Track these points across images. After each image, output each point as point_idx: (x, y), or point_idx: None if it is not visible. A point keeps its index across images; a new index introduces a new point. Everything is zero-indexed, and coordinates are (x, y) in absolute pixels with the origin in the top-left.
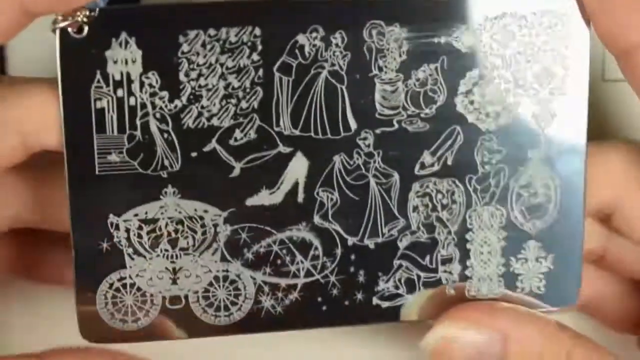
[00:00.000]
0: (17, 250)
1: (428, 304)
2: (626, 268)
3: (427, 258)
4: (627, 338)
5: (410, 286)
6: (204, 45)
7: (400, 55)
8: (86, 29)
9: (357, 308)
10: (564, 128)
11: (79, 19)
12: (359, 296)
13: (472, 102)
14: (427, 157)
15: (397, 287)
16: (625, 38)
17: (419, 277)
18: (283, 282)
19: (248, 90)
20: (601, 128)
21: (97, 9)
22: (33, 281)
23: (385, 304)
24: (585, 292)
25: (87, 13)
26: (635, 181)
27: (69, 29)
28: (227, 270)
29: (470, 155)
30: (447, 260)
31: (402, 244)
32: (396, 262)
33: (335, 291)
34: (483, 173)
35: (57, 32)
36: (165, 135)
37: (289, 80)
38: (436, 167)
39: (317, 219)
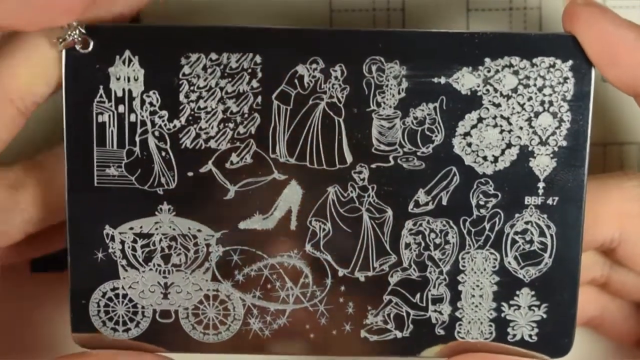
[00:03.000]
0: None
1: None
2: (629, 295)
3: (418, 296)
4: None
5: (399, 322)
6: (205, 68)
7: (399, 93)
8: (91, 44)
9: (345, 339)
10: (564, 176)
11: (76, 37)
12: (347, 327)
13: (469, 145)
14: (421, 196)
15: (385, 322)
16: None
17: (408, 314)
18: (272, 306)
19: (246, 115)
20: (601, 129)
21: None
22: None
23: (373, 338)
24: (588, 311)
25: (83, 31)
26: (636, 216)
27: (75, 45)
28: (217, 290)
29: (465, 197)
30: (437, 300)
31: (393, 279)
32: (386, 297)
33: (323, 320)
34: (478, 216)
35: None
36: (163, 153)
37: (287, 109)
38: (430, 207)
39: (308, 248)
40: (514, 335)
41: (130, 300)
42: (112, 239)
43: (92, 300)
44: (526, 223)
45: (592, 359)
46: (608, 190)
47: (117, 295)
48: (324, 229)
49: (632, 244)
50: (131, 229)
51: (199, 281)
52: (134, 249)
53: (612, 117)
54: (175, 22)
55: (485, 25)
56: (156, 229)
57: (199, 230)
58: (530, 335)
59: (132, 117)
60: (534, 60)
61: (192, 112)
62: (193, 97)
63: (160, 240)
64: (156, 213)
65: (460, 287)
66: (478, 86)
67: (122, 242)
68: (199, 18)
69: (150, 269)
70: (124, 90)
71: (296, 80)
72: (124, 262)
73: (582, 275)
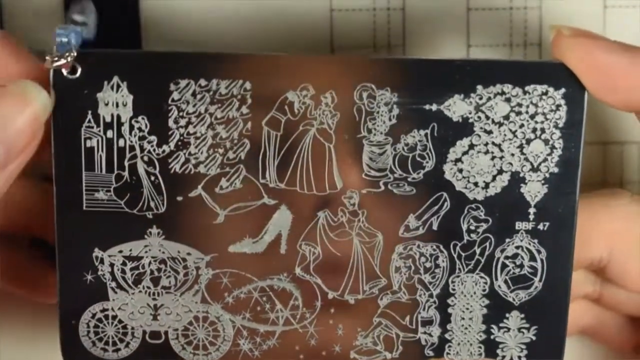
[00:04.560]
0: (14, 261)
1: None
2: (621, 309)
3: (407, 318)
4: None
5: (389, 344)
6: (194, 94)
7: (390, 119)
8: (79, 70)
9: None
10: (555, 202)
11: (68, 59)
12: (337, 348)
13: (460, 171)
14: (412, 221)
15: (375, 344)
16: (637, 105)
17: (397, 335)
18: (262, 328)
19: (236, 141)
20: (601, 129)
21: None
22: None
23: (362, 359)
24: (583, 320)
25: (75, 54)
26: (624, 234)
27: (63, 70)
28: (207, 312)
29: (456, 223)
30: (427, 322)
31: (383, 302)
32: (375, 320)
33: (313, 341)
34: (468, 241)
35: (51, 71)
36: (152, 177)
37: (276, 135)
38: (421, 231)
39: (298, 271)
40: (503, 357)
41: (120, 321)
42: (102, 261)
43: (81, 321)
44: (517, 248)
45: None
46: (596, 210)
47: (106, 317)
48: (313, 253)
49: (621, 263)
50: (120, 252)
51: (188, 303)
52: (123, 272)
53: (612, 117)
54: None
55: (485, 25)
56: (145, 252)
57: (189, 254)
58: (519, 357)
59: (121, 142)
60: (527, 88)
61: (182, 138)
62: (182, 122)
63: (150, 263)
64: (145, 237)
65: (450, 310)
66: (470, 113)
67: (112, 265)
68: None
69: (140, 291)
70: (112, 115)
71: (286, 107)
72: (113, 284)
73: (574, 291)
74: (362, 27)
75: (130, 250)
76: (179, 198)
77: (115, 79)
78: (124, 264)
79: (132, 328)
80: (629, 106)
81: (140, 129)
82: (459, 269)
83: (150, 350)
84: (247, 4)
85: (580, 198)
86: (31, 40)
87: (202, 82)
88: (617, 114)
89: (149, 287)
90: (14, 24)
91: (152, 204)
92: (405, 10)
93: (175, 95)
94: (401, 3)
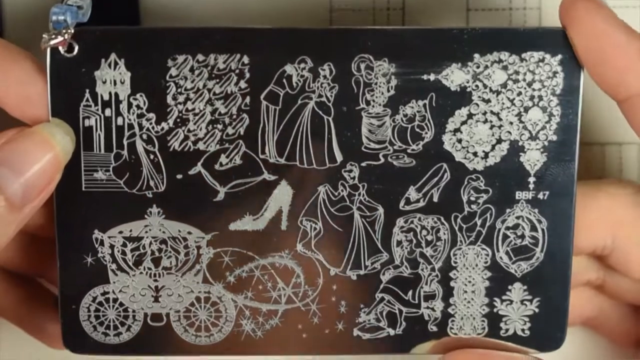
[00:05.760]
0: (17, 300)
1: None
2: (624, 297)
3: (410, 293)
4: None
5: (392, 320)
6: (192, 70)
7: (388, 90)
8: (76, 48)
9: (338, 338)
10: (554, 171)
11: (65, 37)
12: (340, 326)
13: (460, 141)
14: (412, 193)
15: (378, 320)
16: (625, 87)
17: (400, 311)
18: (264, 307)
19: (234, 116)
20: (601, 129)
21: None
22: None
23: (366, 336)
24: (585, 311)
25: (72, 32)
26: (629, 223)
27: (60, 48)
28: (208, 292)
29: (456, 194)
30: (430, 297)
31: (385, 277)
32: (378, 295)
33: (316, 319)
34: (469, 212)
35: (48, 50)
36: (152, 156)
37: (275, 109)
38: (421, 204)
39: (300, 248)
40: (507, 330)
41: (121, 304)
42: (102, 243)
43: (82, 305)
44: (517, 218)
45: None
46: (601, 197)
47: (107, 300)
48: (315, 229)
49: (624, 252)
50: (120, 232)
51: (190, 284)
52: (123, 253)
53: (612, 117)
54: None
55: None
56: (146, 232)
57: (189, 233)
58: (522, 330)
59: (120, 121)
60: (523, 55)
61: (180, 114)
62: (181, 99)
63: (150, 243)
64: (145, 216)
65: (452, 284)
66: (467, 82)
67: (112, 247)
68: (197, 18)
69: (141, 273)
70: (110, 93)
71: (284, 80)
72: (113, 266)
73: (577, 277)
74: None
75: (131, 230)
76: (179, 176)
77: (113, 56)
78: (124, 245)
79: (133, 311)
80: (613, 86)
81: (138, 107)
82: (461, 241)
83: (151, 333)
84: (247, 4)
85: (585, 183)
86: (31, 40)
87: (200, 57)
88: (616, 115)
89: (149, 269)
90: (14, 24)
91: (151, 183)
92: (405, 10)
93: (173, 72)
94: (401, 3)
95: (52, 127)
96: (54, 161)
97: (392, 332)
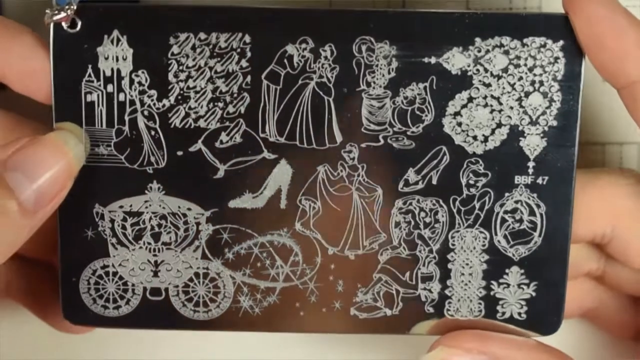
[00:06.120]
0: (27, 283)
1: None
2: (624, 288)
3: (407, 274)
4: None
5: (389, 300)
6: (194, 48)
7: (389, 72)
8: (79, 24)
9: (335, 317)
10: (554, 156)
11: (68, 12)
12: (337, 305)
13: (459, 124)
14: (411, 175)
15: (375, 300)
16: (625, 74)
17: (397, 292)
18: (262, 284)
19: (235, 95)
20: (601, 129)
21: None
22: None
23: (362, 315)
24: (585, 303)
25: (75, 7)
26: (629, 213)
27: (63, 24)
28: (207, 268)
29: (455, 177)
30: (427, 278)
31: (383, 257)
32: (375, 275)
33: (313, 298)
34: (468, 195)
35: (51, 25)
36: (153, 132)
37: (276, 89)
38: (420, 186)
39: (298, 226)
40: (503, 313)
41: (121, 277)
42: (102, 217)
43: (82, 277)
44: (516, 202)
45: (590, 350)
46: (602, 186)
47: (107, 273)
48: (313, 208)
49: (624, 241)
50: (121, 207)
51: (189, 259)
52: (123, 227)
53: (612, 117)
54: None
55: None
56: (146, 207)
57: (189, 209)
58: (519, 313)
59: (121, 97)
60: (525, 40)
61: (182, 92)
62: (182, 76)
63: (150, 218)
64: (146, 192)
65: (449, 266)
66: (468, 66)
67: (112, 221)
68: None
69: (140, 247)
70: (112, 69)
71: (286, 60)
72: (113, 240)
73: (578, 267)
74: None
75: (131, 205)
76: (179, 153)
77: (115, 33)
78: (124, 219)
79: (133, 285)
80: (613, 72)
81: (140, 83)
82: (459, 223)
83: (150, 307)
84: None
85: (587, 172)
86: (30, 22)
87: (202, 35)
88: (616, 114)
89: (149, 243)
90: (13, 4)
91: (152, 159)
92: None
93: (175, 49)
94: (400, 3)
95: (65, 134)
96: (67, 168)
97: (389, 312)
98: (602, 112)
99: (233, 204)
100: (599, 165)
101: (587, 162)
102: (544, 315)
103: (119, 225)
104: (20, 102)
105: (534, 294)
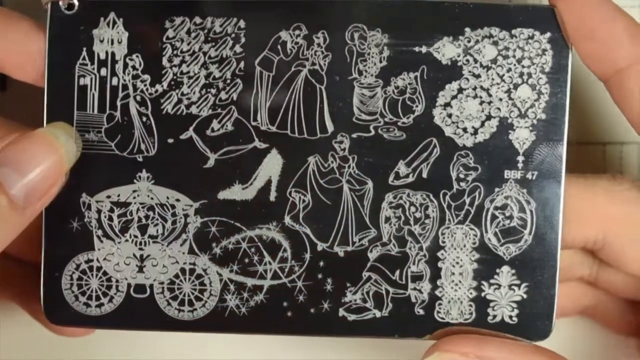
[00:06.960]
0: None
1: None
2: (618, 292)
3: (397, 273)
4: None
5: (379, 301)
6: (189, 32)
7: (380, 61)
8: (77, 5)
9: (323, 318)
10: (542, 150)
11: None
12: (326, 306)
13: (450, 115)
14: (402, 167)
15: (364, 301)
16: (612, 61)
17: (387, 292)
18: (249, 282)
19: (228, 81)
20: (601, 129)
21: None
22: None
23: (351, 317)
24: (583, 301)
25: None
26: (622, 219)
27: (60, 4)
28: (194, 264)
29: (445, 170)
30: (417, 278)
31: (372, 255)
32: (365, 274)
33: (301, 297)
34: (458, 190)
35: (49, 5)
36: (144, 118)
37: (269, 75)
38: (411, 179)
39: (287, 220)
40: (494, 317)
41: (105, 273)
42: (89, 207)
43: (65, 272)
44: (506, 198)
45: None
46: (596, 192)
47: (91, 268)
48: (303, 201)
49: (616, 247)
50: (108, 197)
51: (175, 254)
52: (110, 219)
53: (612, 117)
54: None
55: None
56: (134, 197)
57: (177, 200)
58: (510, 317)
59: (114, 81)
60: (513, 32)
61: (175, 77)
62: (176, 61)
63: (138, 209)
64: (135, 181)
65: (440, 264)
66: (458, 56)
67: (99, 211)
68: None
69: (126, 240)
70: (107, 52)
71: (279, 46)
72: (99, 232)
73: (571, 272)
74: None
75: (119, 195)
76: (170, 140)
77: (112, 15)
78: (111, 210)
79: (117, 281)
80: (600, 62)
81: (134, 67)
82: (449, 219)
83: (134, 305)
84: None
85: (580, 177)
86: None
87: (197, 19)
88: (617, 114)
89: (135, 236)
90: None
91: (142, 146)
92: None
93: (170, 33)
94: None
95: (56, 130)
96: (58, 163)
97: (378, 313)
98: (603, 112)
99: (222, 195)
100: (599, 165)
101: (587, 162)
102: (535, 318)
103: (105, 217)
104: (20, 102)
105: (525, 295)
